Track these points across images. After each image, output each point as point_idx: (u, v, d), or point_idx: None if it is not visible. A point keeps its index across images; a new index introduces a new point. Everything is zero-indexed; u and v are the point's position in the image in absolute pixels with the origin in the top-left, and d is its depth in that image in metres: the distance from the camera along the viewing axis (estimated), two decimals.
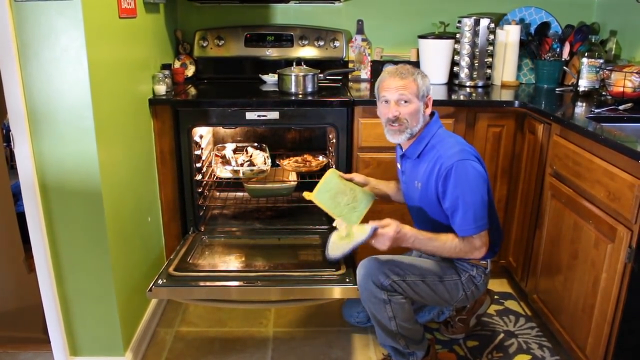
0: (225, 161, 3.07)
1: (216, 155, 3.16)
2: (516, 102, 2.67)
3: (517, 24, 3.11)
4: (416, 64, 3.24)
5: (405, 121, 2.04)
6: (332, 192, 2.24)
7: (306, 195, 2.24)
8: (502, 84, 3.16)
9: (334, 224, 2.11)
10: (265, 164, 3.00)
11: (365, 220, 2.08)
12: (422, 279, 2.07)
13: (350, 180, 2.34)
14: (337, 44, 3.15)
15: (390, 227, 1.93)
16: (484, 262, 2.17)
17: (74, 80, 1.87)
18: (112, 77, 2.11)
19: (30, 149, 1.93)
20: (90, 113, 1.91)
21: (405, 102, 2.03)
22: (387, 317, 2.06)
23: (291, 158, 3.21)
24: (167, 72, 2.73)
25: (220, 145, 3.28)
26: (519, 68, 3.22)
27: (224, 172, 3.03)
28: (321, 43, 3.15)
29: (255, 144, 3.24)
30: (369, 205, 2.27)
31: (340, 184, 2.28)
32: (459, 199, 1.96)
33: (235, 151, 3.19)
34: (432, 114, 2.14)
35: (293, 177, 3.14)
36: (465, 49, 3.06)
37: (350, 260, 2.44)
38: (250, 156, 3.09)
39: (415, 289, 2.06)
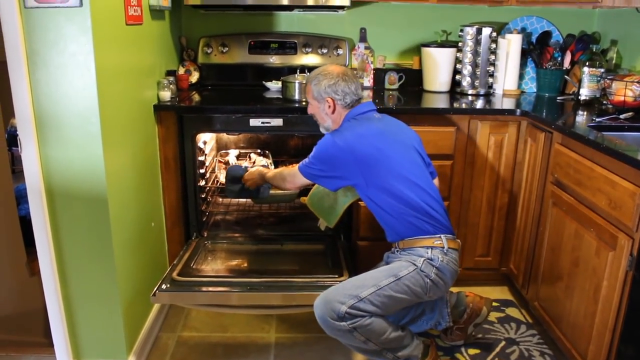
0: None
1: (219, 162, 3.18)
2: (518, 111, 2.70)
3: (518, 33, 3.14)
4: (418, 72, 3.27)
5: (315, 117, 2.36)
6: (319, 195, 2.51)
7: (302, 199, 2.60)
8: (503, 92, 3.18)
9: (318, 224, 2.53)
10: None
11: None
12: (377, 288, 2.03)
13: None
14: (340, 51, 3.18)
15: (248, 172, 2.58)
16: (439, 241, 2.13)
17: (82, 86, 1.89)
18: (119, 83, 2.13)
19: (37, 153, 1.95)
20: (97, 118, 1.92)
21: (309, 103, 2.35)
22: (361, 341, 2.04)
23: (294, 165, 3.21)
24: (171, 78, 2.75)
25: (224, 151, 3.29)
26: (521, 77, 3.25)
27: None
28: (324, 51, 3.18)
29: (259, 151, 3.26)
30: (344, 206, 2.47)
31: None
32: (313, 150, 2.24)
33: (238, 157, 3.21)
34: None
35: None
36: (468, 57, 3.09)
37: (353, 266, 2.46)
38: (254, 162, 3.10)
39: (376, 303, 2.02)
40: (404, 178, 2.14)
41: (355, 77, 2.27)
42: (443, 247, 2.14)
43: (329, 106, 2.24)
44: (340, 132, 2.19)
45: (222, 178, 3.08)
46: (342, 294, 2.03)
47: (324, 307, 2.03)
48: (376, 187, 2.14)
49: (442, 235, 2.15)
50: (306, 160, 2.28)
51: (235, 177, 2.61)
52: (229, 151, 3.27)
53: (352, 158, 2.13)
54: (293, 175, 2.35)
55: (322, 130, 2.37)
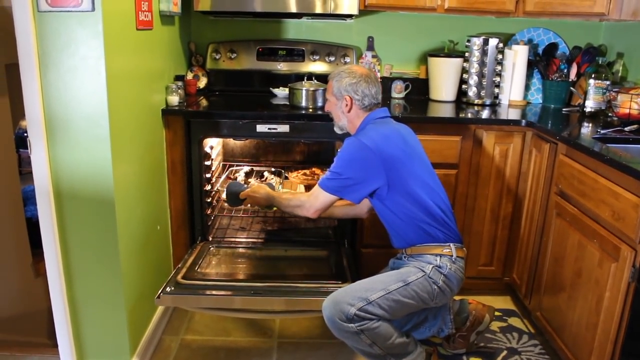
0: None
1: (228, 178, 3.19)
2: (523, 122, 2.71)
3: (525, 44, 3.15)
4: (425, 82, 3.29)
5: (331, 115, 2.35)
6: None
7: None
8: (509, 103, 3.19)
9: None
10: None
11: None
12: (386, 292, 2.05)
13: None
14: (347, 59, 3.20)
15: (249, 190, 2.55)
16: (448, 249, 2.16)
17: (92, 89, 1.91)
18: (128, 87, 2.16)
19: (46, 154, 1.97)
20: (106, 122, 1.95)
21: (327, 99, 2.34)
22: (367, 344, 2.05)
23: (299, 171, 3.24)
24: (180, 83, 2.78)
25: (235, 168, 3.31)
26: (527, 88, 3.26)
27: None
28: (332, 58, 3.20)
29: (272, 169, 3.27)
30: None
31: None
32: (335, 162, 2.20)
33: (249, 175, 3.23)
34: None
35: (301, 189, 3.17)
36: (474, 67, 3.11)
37: (356, 273, 2.47)
38: (265, 180, 3.12)
39: (384, 306, 2.04)
40: (424, 182, 2.17)
41: (377, 81, 2.26)
42: (452, 256, 2.16)
43: (346, 105, 2.24)
44: (365, 134, 2.17)
45: (224, 195, 3.08)
46: (351, 296, 2.04)
47: (333, 308, 2.04)
48: (397, 191, 2.14)
49: (451, 244, 2.17)
50: (328, 175, 2.21)
51: (234, 193, 2.61)
52: (238, 168, 3.28)
53: (380, 159, 2.11)
54: (315, 197, 2.24)
55: (335, 129, 2.37)
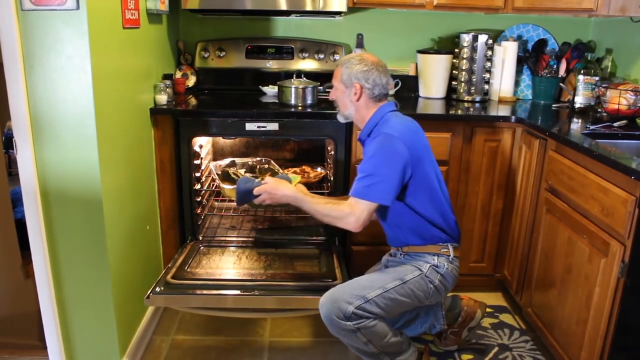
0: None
1: (218, 174, 3.17)
2: (513, 118, 2.71)
3: (514, 40, 3.15)
4: (415, 79, 3.28)
5: (336, 103, 2.25)
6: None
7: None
8: (499, 99, 3.19)
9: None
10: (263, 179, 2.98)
11: None
12: (384, 290, 2.05)
13: None
14: (337, 57, 3.19)
15: (267, 185, 2.17)
16: (446, 249, 2.17)
17: (78, 89, 1.90)
18: (115, 86, 2.14)
19: (32, 155, 1.95)
20: (92, 121, 1.93)
21: (334, 86, 2.22)
22: (362, 342, 2.05)
23: (290, 169, 3.23)
24: (168, 82, 2.76)
25: (214, 163, 3.29)
26: (516, 84, 3.26)
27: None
28: (321, 56, 3.19)
29: (259, 158, 3.24)
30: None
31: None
32: (367, 163, 2.06)
33: (230, 166, 3.20)
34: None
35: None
36: (464, 64, 3.10)
37: (347, 271, 2.47)
38: (257, 164, 3.10)
39: (381, 305, 2.04)
40: (438, 178, 2.16)
41: (387, 71, 2.19)
42: (449, 255, 2.17)
43: (355, 93, 2.14)
44: (389, 126, 2.08)
45: (227, 192, 3.01)
46: (349, 293, 2.04)
47: (331, 305, 2.03)
48: (416, 187, 2.10)
49: (449, 244, 2.18)
50: (363, 182, 2.03)
51: (246, 190, 2.23)
52: (224, 161, 3.25)
53: (407, 149, 2.04)
54: (361, 210, 2.01)
55: (339, 118, 2.29)
